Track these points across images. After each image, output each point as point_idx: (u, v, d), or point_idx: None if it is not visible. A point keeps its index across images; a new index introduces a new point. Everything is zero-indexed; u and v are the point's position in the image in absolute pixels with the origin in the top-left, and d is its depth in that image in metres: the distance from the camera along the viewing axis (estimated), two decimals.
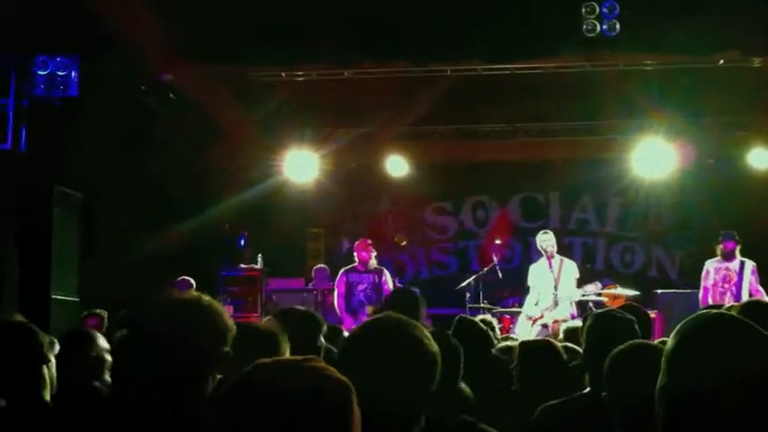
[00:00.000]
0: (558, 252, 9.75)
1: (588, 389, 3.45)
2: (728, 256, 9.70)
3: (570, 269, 9.66)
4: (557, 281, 9.48)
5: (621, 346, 2.83)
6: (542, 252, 9.65)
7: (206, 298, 2.32)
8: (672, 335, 1.68)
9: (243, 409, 1.47)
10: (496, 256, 11.17)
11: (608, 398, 2.75)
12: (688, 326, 1.68)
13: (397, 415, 1.94)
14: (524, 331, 9.39)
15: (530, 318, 9.54)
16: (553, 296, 9.42)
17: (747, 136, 11.59)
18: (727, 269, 9.68)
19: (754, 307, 3.91)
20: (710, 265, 9.84)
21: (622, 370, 2.72)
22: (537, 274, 9.74)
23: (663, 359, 1.66)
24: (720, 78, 9.98)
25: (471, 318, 5.21)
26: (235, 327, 2.32)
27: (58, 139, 8.44)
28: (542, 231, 10.02)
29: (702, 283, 9.82)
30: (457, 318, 4.76)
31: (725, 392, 1.54)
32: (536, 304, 9.62)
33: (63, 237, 8.55)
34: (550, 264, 9.55)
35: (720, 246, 9.77)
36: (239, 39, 8.26)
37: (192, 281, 9.83)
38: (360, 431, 1.53)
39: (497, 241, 13.07)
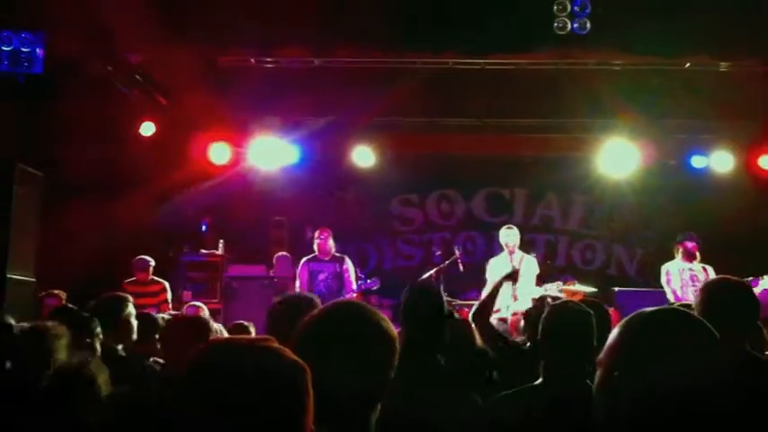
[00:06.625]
0: (519, 248, 9.79)
1: (541, 379, 3.42)
2: (690, 257, 9.44)
3: (531, 265, 9.69)
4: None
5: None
6: (504, 247, 9.70)
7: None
8: (624, 326, 1.67)
9: (196, 387, 1.47)
10: (458, 249, 11.21)
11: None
12: (647, 320, 1.67)
13: (356, 400, 1.92)
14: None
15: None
16: (512, 290, 9.44)
17: (710, 139, 11.73)
18: (691, 269, 9.43)
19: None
20: (672, 267, 9.57)
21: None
22: (497, 267, 9.69)
23: (614, 348, 1.64)
24: (687, 81, 10.08)
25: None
26: None
27: (21, 116, 8.29)
28: (506, 226, 10.02)
29: (669, 287, 9.49)
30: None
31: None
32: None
33: (23, 216, 8.41)
34: (511, 259, 9.58)
35: (680, 247, 9.50)
36: (210, 21, 8.17)
37: (151, 260, 9.73)
38: (313, 413, 1.51)
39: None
